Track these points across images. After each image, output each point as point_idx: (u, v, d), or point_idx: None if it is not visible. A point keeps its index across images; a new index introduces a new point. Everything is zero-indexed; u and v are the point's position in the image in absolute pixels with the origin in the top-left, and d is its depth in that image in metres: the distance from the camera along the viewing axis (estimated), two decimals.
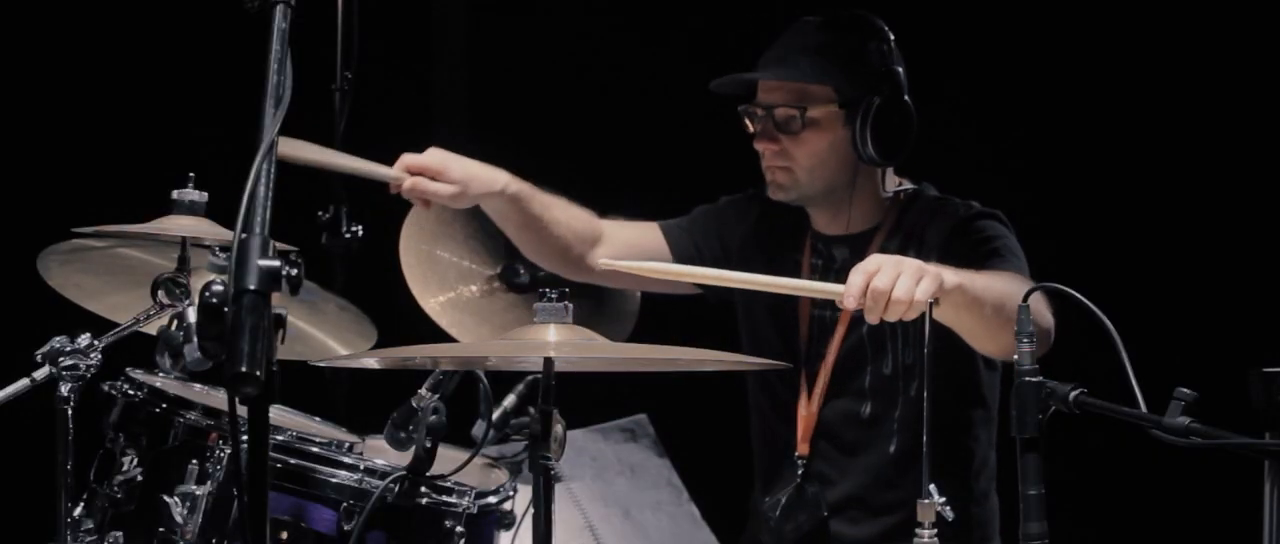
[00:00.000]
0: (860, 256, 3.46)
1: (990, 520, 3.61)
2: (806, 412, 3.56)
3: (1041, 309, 3.22)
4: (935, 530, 2.80)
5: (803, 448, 3.55)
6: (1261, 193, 4.47)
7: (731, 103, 3.58)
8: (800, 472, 3.54)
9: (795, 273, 3.60)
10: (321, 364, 3.36)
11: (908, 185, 3.60)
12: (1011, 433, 2.71)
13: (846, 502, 3.55)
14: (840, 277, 3.49)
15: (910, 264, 3.00)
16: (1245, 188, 4.50)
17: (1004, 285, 3.19)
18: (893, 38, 3.54)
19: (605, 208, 3.70)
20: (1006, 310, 3.14)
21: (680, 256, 3.68)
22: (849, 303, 2.98)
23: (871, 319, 2.97)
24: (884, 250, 3.51)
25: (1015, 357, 2.71)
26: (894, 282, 2.95)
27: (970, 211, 3.54)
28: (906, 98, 3.50)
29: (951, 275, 3.07)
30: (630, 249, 3.69)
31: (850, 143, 3.47)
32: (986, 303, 3.12)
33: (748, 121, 3.55)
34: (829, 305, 3.58)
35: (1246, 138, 4.49)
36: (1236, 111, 4.50)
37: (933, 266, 3.05)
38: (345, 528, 3.08)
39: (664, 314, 3.83)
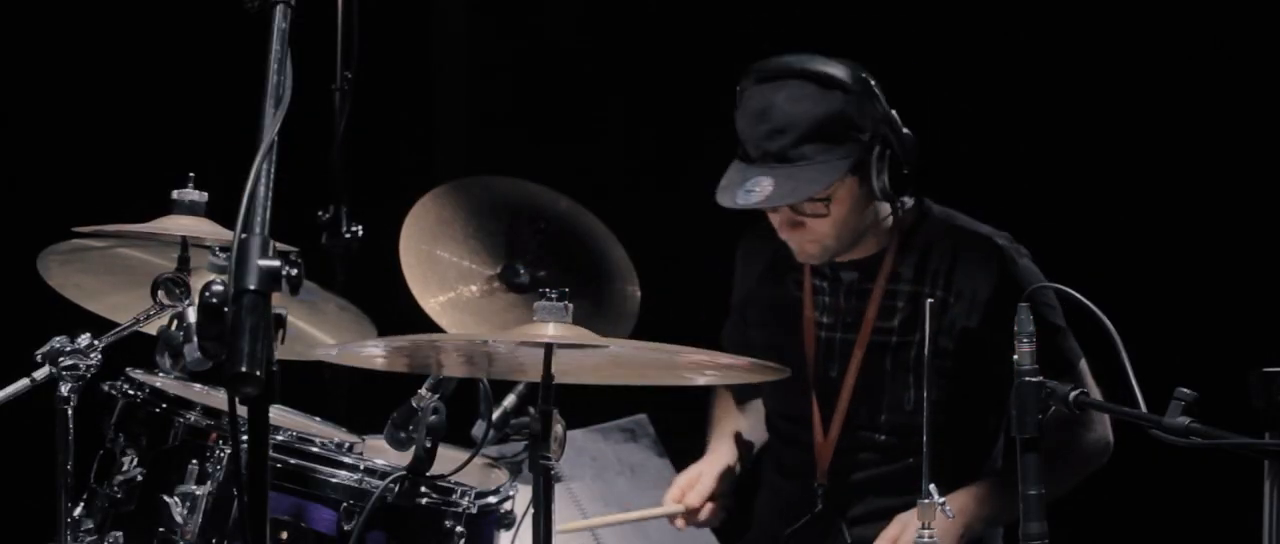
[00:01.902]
0: (871, 279, 3.48)
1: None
2: (823, 440, 3.55)
3: (1105, 429, 3.47)
4: (934, 531, 2.81)
5: (822, 477, 3.56)
6: (1261, 193, 4.47)
7: (733, 94, 3.56)
8: (820, 499, 3.55)
9: (797, 293, 3.60)
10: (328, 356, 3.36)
11: (906, 200, 3.58)
12: (1011, 433, 2.71)
13: (860, 515, 3.56)
14: (847, 299, 3.52)
15: None
16: (1245, 188, 4.50)
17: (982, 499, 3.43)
18: (861, 70, 3.44)
19: (605, 205, 3.70)
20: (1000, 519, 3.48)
21: None
22: None
23: None
24: (896, 272, 3.51)
25: (1015, 357, 2.72)
26: None
27: (1010, 261, 3.50)
28: (904, 130, 3.45)
29: (979, 523, 3.41)
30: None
31: (867, 195, 3.44)
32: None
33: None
34: (837, 327, 3.57)
35: (1246, 138, 4.49)
36: (1236, 111, 4.50)
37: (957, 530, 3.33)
38: (345, 528, 3.08)
39: (664, 314, 3.82)
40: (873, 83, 3.44)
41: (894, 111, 3.45)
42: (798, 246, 3.50)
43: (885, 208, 3.53)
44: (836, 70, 3.41)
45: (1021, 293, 3.37)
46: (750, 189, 3.38)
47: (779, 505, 3.65)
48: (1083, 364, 3.44)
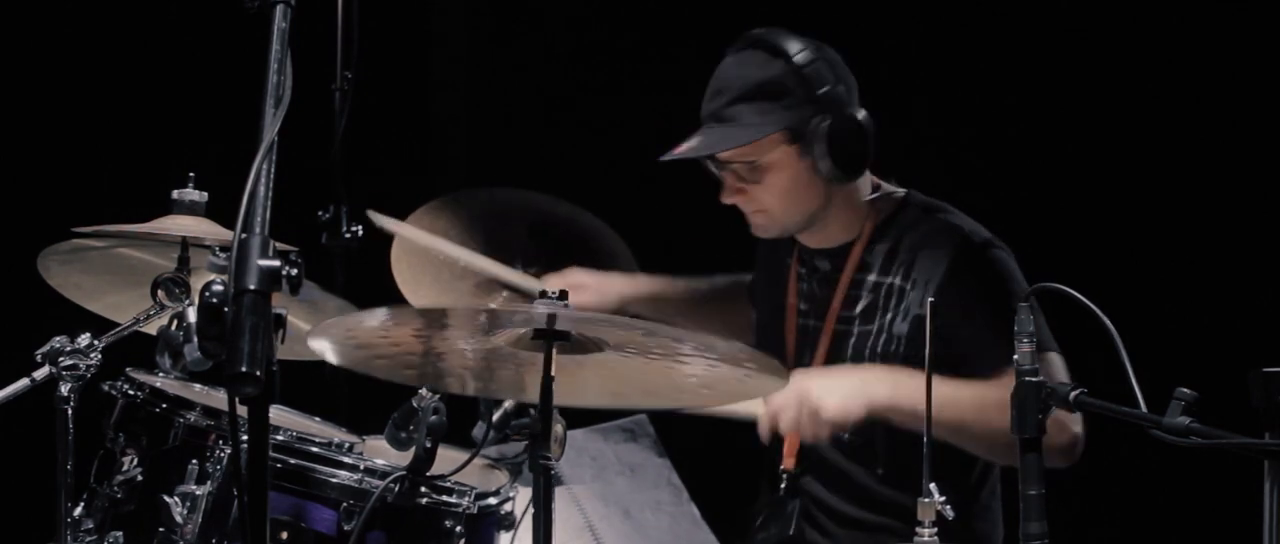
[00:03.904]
0: (840, 268, 3.51)
1: (992, 532, 3.60)
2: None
3: (1068, 419, 3.33)
4: (935, 529, 2.80)
5: (788, 461, 3.55)
6: (1261, 193, 4.47)
7: None
8: (783, 485, 3.55)
9: (785, 279, 3.61)
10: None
11: (892, 190, 3.58)
12: (1011, 433, 2.71)
13: (829, 515, 3.55)
14: (822, 287, 3.54)
15: (808, 407, 3.26)
16: (1245, 188, 4.50)
17: (972, 401, 3.28)
18: (821, 49, 3.47)
19: (606, 207, 3.71)
20: (969, 432, 3.28)
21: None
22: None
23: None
24: (864, 261, 3.52)
25: (1015, 357, 2.71)
26: (794, 426, 3.28)
27: (970, 245, 3.49)
28: (853, 110, 3.45)
29: (885, 392, 3.27)
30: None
31: (811, 169, 3.45)
32: (939, 424, 3.15)
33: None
34: (811, 314, 3.58)
35: (1246, 138, 4.49)
36: (1236, 112, 4.50)
37: (859, 385, 3.29)
38: (345, 528, 3.08)
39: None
40: (828, 62, 3.47)
41: (843, 83, 3.46)
42: (750, 220, 3.56)
43: (860, 194, 3.53)
44: (788, 42, 3.47)
45: (973, 278, 3.40)
46: (683, 146, 3.48)
47: (765, 488, 3.67)
48: (1052, 354, 3.41)
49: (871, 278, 3.52)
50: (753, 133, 3.45)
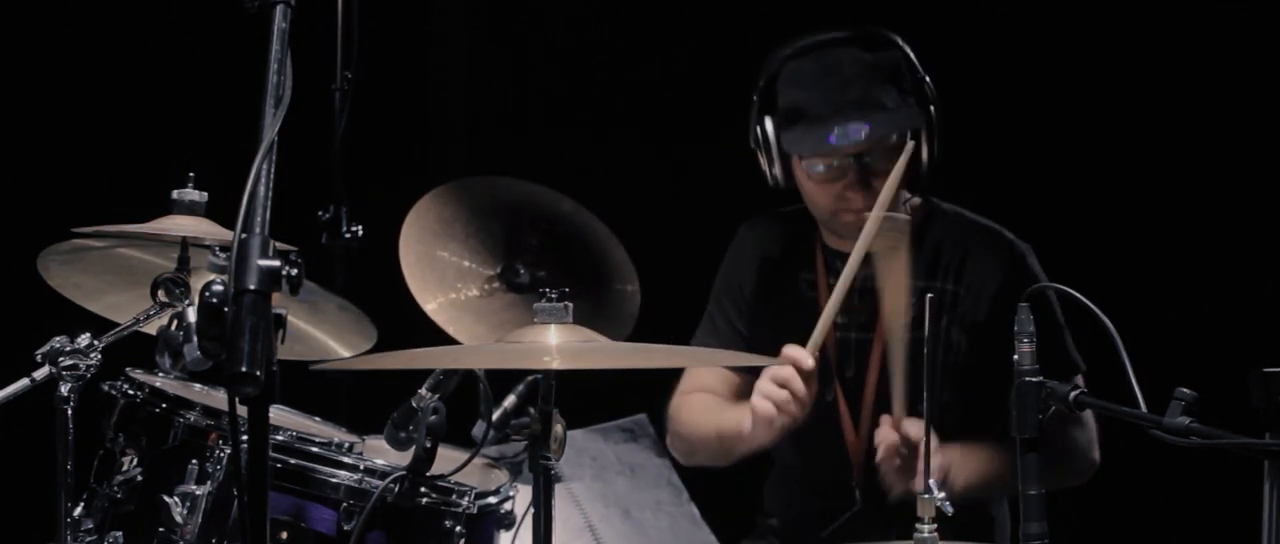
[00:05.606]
0: (883, 277, 3.46)
1: (1002, 522, 3.62)
2: (855, 439, 3.53)
3: (1092, 439, 3.43)
4: (935, 526, 2.81)
5: (858, 476, 3.53)
6: (1261, 193, 4.47)
7: (734, 106, 3.56)
8: (859, 497, 3.52)
9: (810, 292, 3.57)
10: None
11: (911, 197, 3.56)
12: (1011, 433, 2.71)
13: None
14: (862, 294, 3.49)
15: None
16: (1245, 188, 4.50)
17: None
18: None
19: (605, 206, 3.71)
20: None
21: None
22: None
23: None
24: (909, 269, 3.50)
25: (1015, 357, 2.72)
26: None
27: (1014, 252, 3.48)
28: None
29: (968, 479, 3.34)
30: (723, 384, 3.69)
31: (907, 166, 3.38)
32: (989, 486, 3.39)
33: (809, 167, 3.43)
34: (852, 326, 3.55)
35: (1246, 138, 4.49)
36: (1236, 112, 4.50)
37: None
38: (345, 528, 3.08)
39: (664, 314, 3.83)
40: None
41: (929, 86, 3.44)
42: (845, 217, 3.43)
43: (902, 200, 3.51)
44: (876, 32, 3.41)
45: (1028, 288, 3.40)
46: (845, 130, 3.32)
47: (803, 501, 3.63)
48: (1079, 378, 3.43)
49: (919, 285, 3.48)
50: (912, 116, 3.34)
